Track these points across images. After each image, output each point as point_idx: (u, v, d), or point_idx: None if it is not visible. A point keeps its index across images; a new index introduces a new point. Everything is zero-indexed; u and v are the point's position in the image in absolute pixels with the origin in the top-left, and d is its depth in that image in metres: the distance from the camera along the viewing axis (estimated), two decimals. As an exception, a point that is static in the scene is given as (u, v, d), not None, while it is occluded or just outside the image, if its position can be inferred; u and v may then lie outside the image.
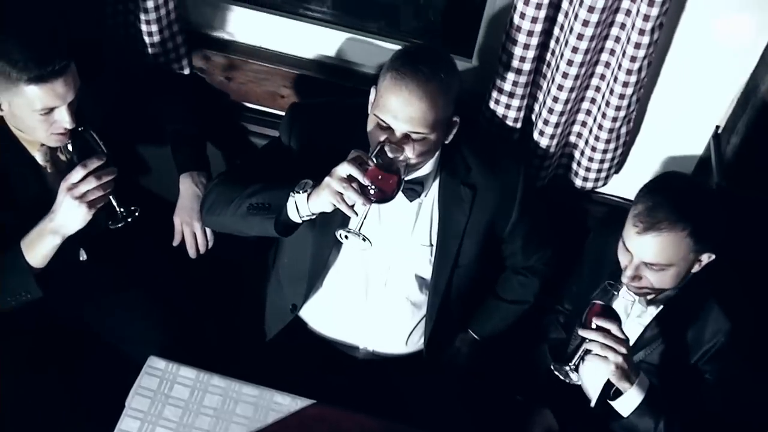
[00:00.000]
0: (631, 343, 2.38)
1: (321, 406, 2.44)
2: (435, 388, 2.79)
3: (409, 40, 3.06)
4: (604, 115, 2.77)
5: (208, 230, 2.72)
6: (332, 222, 2.43)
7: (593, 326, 2.28)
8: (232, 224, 2.50)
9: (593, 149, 2.88)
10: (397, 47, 2.50)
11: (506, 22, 2.68)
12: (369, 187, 2.21)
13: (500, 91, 2.80)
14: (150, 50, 2.96)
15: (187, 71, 3.08)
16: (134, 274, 2.87)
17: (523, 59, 2.70)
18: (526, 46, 2.67)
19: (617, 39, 2.66)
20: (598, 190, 3.07)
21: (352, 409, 2.46)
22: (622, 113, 2.74)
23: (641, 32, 2.53)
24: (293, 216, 2.32)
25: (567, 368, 2.37)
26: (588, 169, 2.96)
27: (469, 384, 2.88)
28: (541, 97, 2.84)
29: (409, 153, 2.31)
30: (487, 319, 2.91)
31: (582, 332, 2.30)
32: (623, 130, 2.83)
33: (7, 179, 2.48)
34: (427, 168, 2.51)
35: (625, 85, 2.66)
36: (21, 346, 2.68)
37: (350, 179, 2.20)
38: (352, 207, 2.22)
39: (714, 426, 2.42)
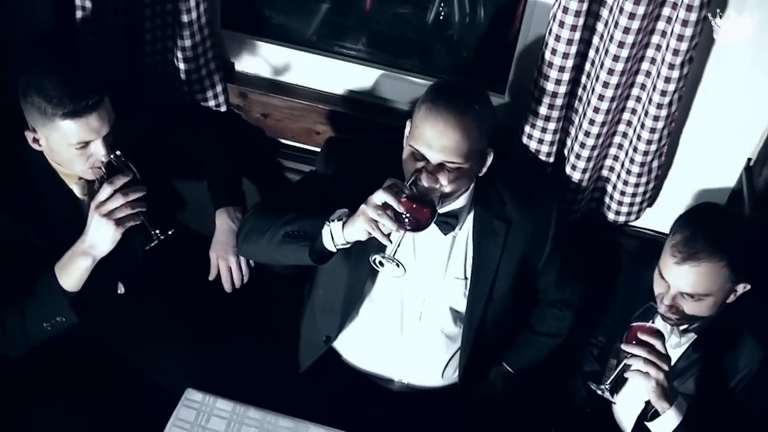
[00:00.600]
0: None
1: (356, 438, 2.45)
2: (470, 422, 2.80)
3: (443, 77, 3.10)
4: (635, 149, 2.79)
5: (243, 265, 2.75)
6: (368, 253, 2.44)
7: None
8: (267, 253, 2.52)
9: (625, 183, 2.90)
10: (431, 83, 2.54)
11: (538, 58, 2.72)
12: (404, 215, 2.23)
13: (533, 125, 2.83)
14: (187, 88, 3.02)
15: (224, 108, 3.13)
16: (171, 308, 2.90)
17: (555, 94, 2.73)
18: (558, 81, 2.70)
19: (648, 73, 2.69)
20: (631, 223, 3.08)
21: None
22: (653, 147, 2.76)
23: (671, 67, 2.56)
24: (328, 245, 2.34)
25: (603, 387, 2.36)
26: (620, 203, 2.97)
27: (503, 417, 2.88)
28: (573, 131, 2.86)
29: (444, 182, 2.33)
30: (522, 352, 2.91)
31: (625, 347, 2.28)
32: (655, 163, 2.84)
33: (47, 212, 2.53)
34: (461, 201, 2.53)
35: (657, 119, 2.68)
36: (58, 378, 2.70)
37: (385, 207, 2.22)
38: (387, 236, 2.24)
39: None
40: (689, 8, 2.44)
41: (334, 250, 2.36)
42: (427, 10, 3.18)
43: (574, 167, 2.88)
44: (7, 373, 2.61)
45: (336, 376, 2.82)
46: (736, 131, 2.85)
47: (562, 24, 2.58)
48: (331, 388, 2.78)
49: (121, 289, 2.82)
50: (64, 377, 2.72)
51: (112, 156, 2.38)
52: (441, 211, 2.45)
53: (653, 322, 2.30)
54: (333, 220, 2.32)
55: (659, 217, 3.05)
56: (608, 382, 2.36)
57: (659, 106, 2.65)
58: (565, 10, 2.55)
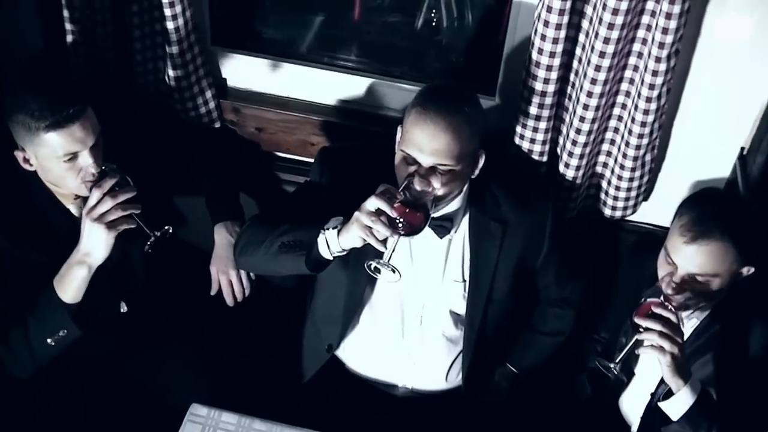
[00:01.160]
0: None
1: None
2: (475, 424, 2.80)
3: (433, 82, 3.10)
4: (627, 144, 2.80)
5: (244, 278, 2.76)
6: (365, 259, 2.44)
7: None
8: (264, 264, 2.54)
9: (619, 178, 2.90)
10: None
11: (526, 58, 2.73)
12: (397, 220, 2.24)
13: (524, 126, 2.84)
14: (180, 105, 3.05)
15: (218, 124, 3.15)
16: (174, 325, 2.91)
17: (544, 93, 2.75)
18: (547, 81, 2.72)
19: (635, 68, 2.70)
20: (627, 218, 3.08)
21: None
22: (645, 140, 2.77)
23: (658, 60, 2.57)
24: (324, 253, 2.35)
25: (613, 364, 2.34)
26: (616, 198, 2.97)
27: (510, 418, 2.88)
28: (564, 129, 2.87)
29: (437, 185, 2.34)
30: (525, 352, 2.91)
31: (639, 320, 2.26)
32: (648, 157, 2.85)
33: (47, 232, 2.54)
34: (455, 204, 2.54)
35: (646, 112, 2.69)
36: (65, 400, 2.70)
37: (379, 213, 2.23)
38: (382, 241, 2.25)
39: None
40: (672, 0, 2.45)
41: (331, 258, 2.37)
42: (416, 17, 3.20)
43: (567, 165, 2.89)
44: (14, 395, 2.63)
45: (340, 384, 2.82)
46: (727, 121, 2.85)
47: (546, 23, 2.59)
48: (335, 397, 2.79)
49: (123, 308, 2.83)
50: (70, 399, 2.72)
51: (103, 167, 2.39)
52: (436, 214, 2.47)
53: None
54: (328, 229, 2.34)
55: (656, 211, 3.06)
56: (619, 359, 2.34)
57: (648, 99, 2.66)
58: (549, 9, 2.56)
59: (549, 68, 2.69)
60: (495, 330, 2.73)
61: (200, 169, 2.95)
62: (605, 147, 2.93)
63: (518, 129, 2.86)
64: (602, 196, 3.04)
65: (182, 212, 3.04)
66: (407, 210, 2.25)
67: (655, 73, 2.60)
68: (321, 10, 3.29)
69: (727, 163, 2.93)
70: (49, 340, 2.44)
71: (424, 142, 2.33)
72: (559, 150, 2.93)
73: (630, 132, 2.77)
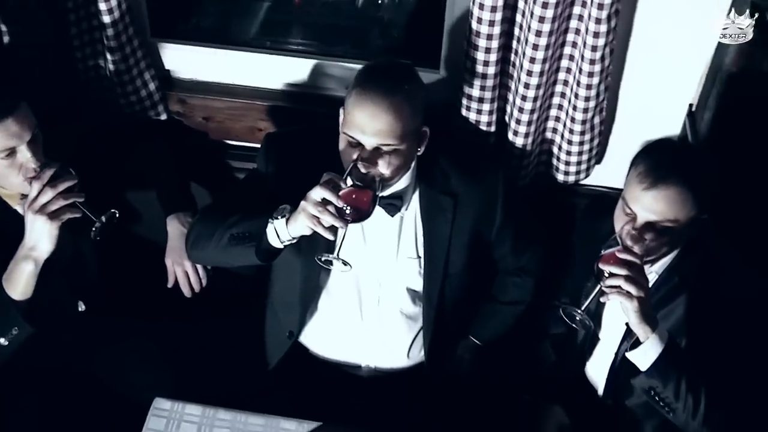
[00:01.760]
0: None
1: (328, 427, 2.44)
2: (441, 398, 2.81)
3: (377, 59, 3.09)
4: (575, 108, 2.79)
5: (200, 268, 2.75)
6: (317, 245, 2.44)
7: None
8: (216, 257, 2.54)
9: (569, 142, 2.90)
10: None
11: (466, 29, 2.71)
12: (344, 208, 2.23)
13: (470, 97, 2.82)
14: (124, 100, 3.01)
15: (164, 117, 3.12)
16: (134, 321, 2.90)
17: (486, 63, 2.73)
18: (488, 50, 2.70)
19: (577, 31, 2.68)
20: (582, 182, 3.08)
21: (360, 428, 2.48)
22: (592, 103, 2.76)
23: (598, 21, 2.55)
24: (274, 242, 2.34)
25: (578, 312, 2.30)
26: (568, 163, 2.97)
27: (475, 390, 2.89)
28: (510, 97, 2.86)
29: (382, 167, 2.33)
30: (486, 323, 2.91)
31: (604, 266, 2.22)
32: (596, 120, 2.84)
33: None
34: (404, 181, 2.52)
35: (591, 75, 2.68)
36: (28, 402, 2.70)
37: (325, 202, 2.22)
38: (329, 229, 2.24)
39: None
40: (608, -40, 2.44)
41: (281, 246, 2.36)
42: (356, -5, 3.18)
43: (516, 133, 2.87)
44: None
45: (304, 369, 2.82)
46: (674, 79, 2.85)
47: (483, -8, 2.58)
48: (301, 382, 2.78)
49: (81, 307, 2.81)
50: (32, 400, 2.71)
51: (45, 162, 2.36)
52: (385, 193, 2.46)
53: None
54: (276, 218, 2.33)
55: (609, 173, 3.05)
56: (584, 306, 2.30)
57: (592, 62, 2.65)
58: (485, -22, 2.55)
59: (489, 37, 2.67)
60: (454, 304, 2.73)
61: (148, 163, 2.93)
62: (553, 112, 2.92)
63: (464, 101, 2.85)
64: (554, 161, 3.03)
65: (134, 206, 3.04)
66: (354, 196, 2.24)
67: (596, 35, 2.58)
68: (260, -5, 3.27)
69: (677, 121, 2.93)
70: (2, 340, 2.41)
71: (366, 123, 2.31)
72: (507, 118, 2.91)
73: (576, 96, 2.76)
